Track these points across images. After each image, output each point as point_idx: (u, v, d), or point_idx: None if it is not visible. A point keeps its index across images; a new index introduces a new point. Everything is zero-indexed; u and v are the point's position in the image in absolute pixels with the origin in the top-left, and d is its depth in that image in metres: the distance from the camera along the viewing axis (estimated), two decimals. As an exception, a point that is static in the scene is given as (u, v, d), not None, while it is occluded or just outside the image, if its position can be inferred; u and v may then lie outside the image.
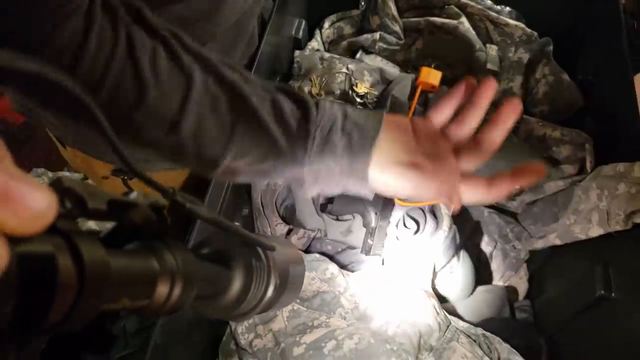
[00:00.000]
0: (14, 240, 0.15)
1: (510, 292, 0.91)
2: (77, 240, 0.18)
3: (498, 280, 0.94)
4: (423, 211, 0.79)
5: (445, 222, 0.76)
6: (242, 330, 0.67)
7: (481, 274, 0.91)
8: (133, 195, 0.24)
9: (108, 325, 1.59)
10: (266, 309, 0.33)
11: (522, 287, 0.94)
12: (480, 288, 0.86)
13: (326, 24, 1.05)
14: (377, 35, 0.96)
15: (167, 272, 0.24)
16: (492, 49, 0.95)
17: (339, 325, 0.64)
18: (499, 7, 1.00)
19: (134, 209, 0.23)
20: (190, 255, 0.27)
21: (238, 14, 0.65)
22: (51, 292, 0.17)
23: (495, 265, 0.94)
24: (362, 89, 0.86)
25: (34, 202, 0.15)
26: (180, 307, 0.26)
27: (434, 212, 0.79)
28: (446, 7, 0.97)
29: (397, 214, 0.78)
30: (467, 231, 0.92)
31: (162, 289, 0.24)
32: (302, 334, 0.63)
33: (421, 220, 0.78)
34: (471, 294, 0.85)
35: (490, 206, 0.90)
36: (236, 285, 0.31)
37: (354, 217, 0.81)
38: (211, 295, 0.31)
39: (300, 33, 1.00)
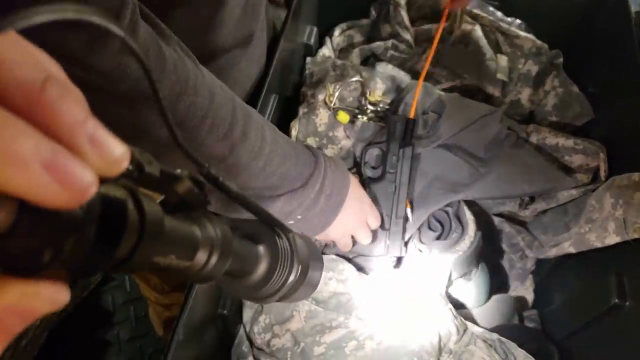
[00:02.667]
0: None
1: (518, 301, 0.92)
2: (140, 195, 0.21)
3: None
4: (448, 215, 0.79)
5: (471, 229, 0.76)
6: (259, 330, 0.66)
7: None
8: (178, 170, 0.25)
9: (101, 333, 1.56)
10: (285, 297, 0.35)
11: (528, 297, 0.94)
12: (492, 297, 0.86)
13: (336, 32, 1.06)
14: (389, 43, 0.97)
15: (207, 240, 0.27)
16: (503, 59, 0.96)
17: (358, 326, 0.64)
18: (509, 19, 1.01)
19: (179, 182, 0.25)
20: (228, 229, 0.29)
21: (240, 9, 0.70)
22: (121, 231, 0.19)
23: (503, 276, 0.94)
24: (375, 97, 0.86)
25: (115, 148, 0.18)
26: (213, 277, 0.28)
27: (459, 216, 0.79)
28: (456, 17, 0.98)
29: (421, 216, 0.78)
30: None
31: (201, 255, 0.26)
32: (321, 334, 0.63)
33: (446, 225, 0.78)
34: (486, 302, 0.85)
35: (500, 214, 0.90)
36: (262, 266, 0.33)
37: None
38: (239, 273, 0.33)
39: (312, 40, 1.00)
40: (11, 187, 0.14)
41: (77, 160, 0.16)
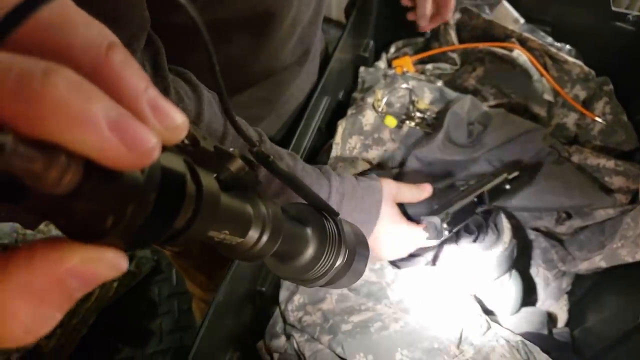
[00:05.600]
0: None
1: (549, 317, 0.92)
2: (197, 169, 0.21)
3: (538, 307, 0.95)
4: (485, 220, 0.82)
5: (506, 236, 0.79)
6: (292, 308, 0.71)
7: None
8: (231, 149, 0.26)
9: (146, 322, 1.64)
10: (331, 282, 0.35)
11: (562, 316, 0.94)
12: (523, 308, 0.87)
13: (392, 49, 1.12)
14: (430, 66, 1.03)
15: (260, 218, 0.27)
16: (550, 81, 0.99)
17: (386, 311, 0.67)
18: (559, 44, 1.04)
19: (232, 160, 0.25)
20: (279, 210, 0.29)
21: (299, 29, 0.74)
22: (179, 202, 0.19)
23: (536, 292, 0.95)
24: (422, 104, 0.91)
25: (175, 116, 0.18)
26: (262, 255, 0.28)
27: (496, 223, 0.82)
28: (507, 40, 1.02)
29: (458, 220, 0.81)
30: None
31: (253, 233, 0.27)
32: (349, 314, 0.67)
33: (482, 229, 0.81)
34: (516, 312, 0.86)
35: (537, 229, 0.92)
36: (310, 249, 0.33)
37: None
38: (288, 254, 0.33)
39: (367, 52, 1.07)
40: (79, 146, 0.15)
41: (141, 123, 0.16)
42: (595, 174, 0.87)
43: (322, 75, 0.85)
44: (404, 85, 0.91)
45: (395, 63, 1.03)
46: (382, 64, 1.06)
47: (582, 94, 1.01)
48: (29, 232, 1.53)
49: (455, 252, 0.81)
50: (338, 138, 0.86)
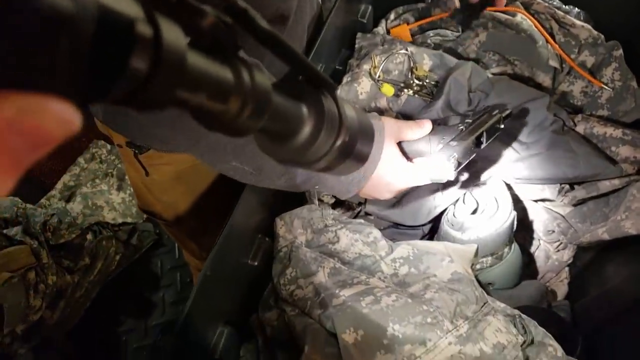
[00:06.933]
0: None
1: (549, 292, 0.90)
2: (157, 15, 0.18)
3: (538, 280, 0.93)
4: (485, 192, 0.80)
5: (506, 207, 0.77)
6: (284, 282, 0.70)
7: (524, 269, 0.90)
8: (204, 7, 0.22)
9: (148, 294, 1.65)
10: (331, 166, 0.33)
11: (561, 289, 0.92)
12: (522, 282, 0.85)
13: (392, 16, 1.08)
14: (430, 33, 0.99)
15: (242, 85, 0.24)
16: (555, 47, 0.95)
17: (378, 284, 0.66)
18: (567, 7, 0.99)
19: (203, 16, 0.22)
20: (266, 79, 0.26)
21: None
22: (128, 44, 0.17)
23: (536, 266, 0.93)
24: (421, 71, 0.87)
25: None
26: (248, 129, 0.26)
27: (495, 194, 0.79)
28: (511, 3, 0.98)
29: (458, 191, 0.79)
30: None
31: (235, 100, 0.24)
32: (341, 288, 0.65)
33: (481, 201, 0.79)
34: (515, 285, 0.84)
35: (538, 201, 0.89)
36: (307, 127, 0.30)
37: None
38: (282, 134, 0.30)
39: (366, 18, 1.03)
40: None
41: None
42: (601, 144, 0.84)
43: (315, 41, 0.81)
44: (403, 51, 0.87)
45: (392, 32, 0.99)
46: (381, 30, 1.02)
47: (590, 60, 0.97)
48: (29, 205, 1.52)
49: (453, 224, 0.78)
50: (332, 107, 0.83)
